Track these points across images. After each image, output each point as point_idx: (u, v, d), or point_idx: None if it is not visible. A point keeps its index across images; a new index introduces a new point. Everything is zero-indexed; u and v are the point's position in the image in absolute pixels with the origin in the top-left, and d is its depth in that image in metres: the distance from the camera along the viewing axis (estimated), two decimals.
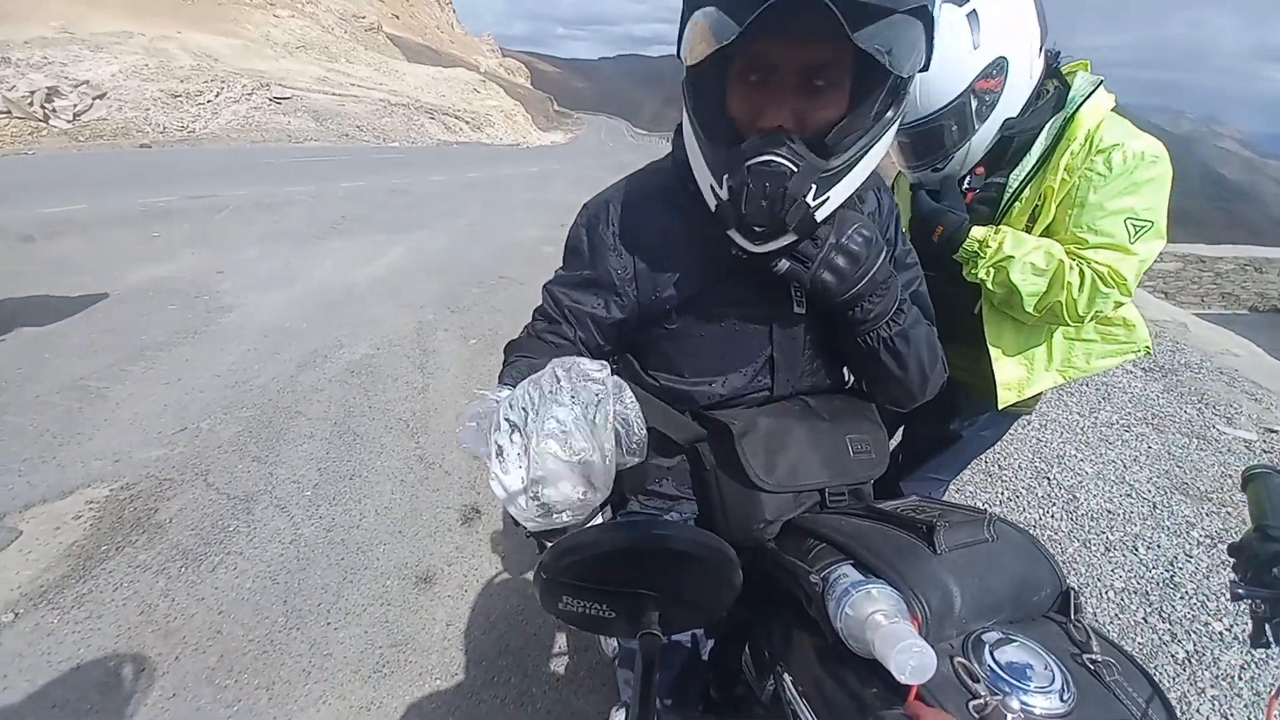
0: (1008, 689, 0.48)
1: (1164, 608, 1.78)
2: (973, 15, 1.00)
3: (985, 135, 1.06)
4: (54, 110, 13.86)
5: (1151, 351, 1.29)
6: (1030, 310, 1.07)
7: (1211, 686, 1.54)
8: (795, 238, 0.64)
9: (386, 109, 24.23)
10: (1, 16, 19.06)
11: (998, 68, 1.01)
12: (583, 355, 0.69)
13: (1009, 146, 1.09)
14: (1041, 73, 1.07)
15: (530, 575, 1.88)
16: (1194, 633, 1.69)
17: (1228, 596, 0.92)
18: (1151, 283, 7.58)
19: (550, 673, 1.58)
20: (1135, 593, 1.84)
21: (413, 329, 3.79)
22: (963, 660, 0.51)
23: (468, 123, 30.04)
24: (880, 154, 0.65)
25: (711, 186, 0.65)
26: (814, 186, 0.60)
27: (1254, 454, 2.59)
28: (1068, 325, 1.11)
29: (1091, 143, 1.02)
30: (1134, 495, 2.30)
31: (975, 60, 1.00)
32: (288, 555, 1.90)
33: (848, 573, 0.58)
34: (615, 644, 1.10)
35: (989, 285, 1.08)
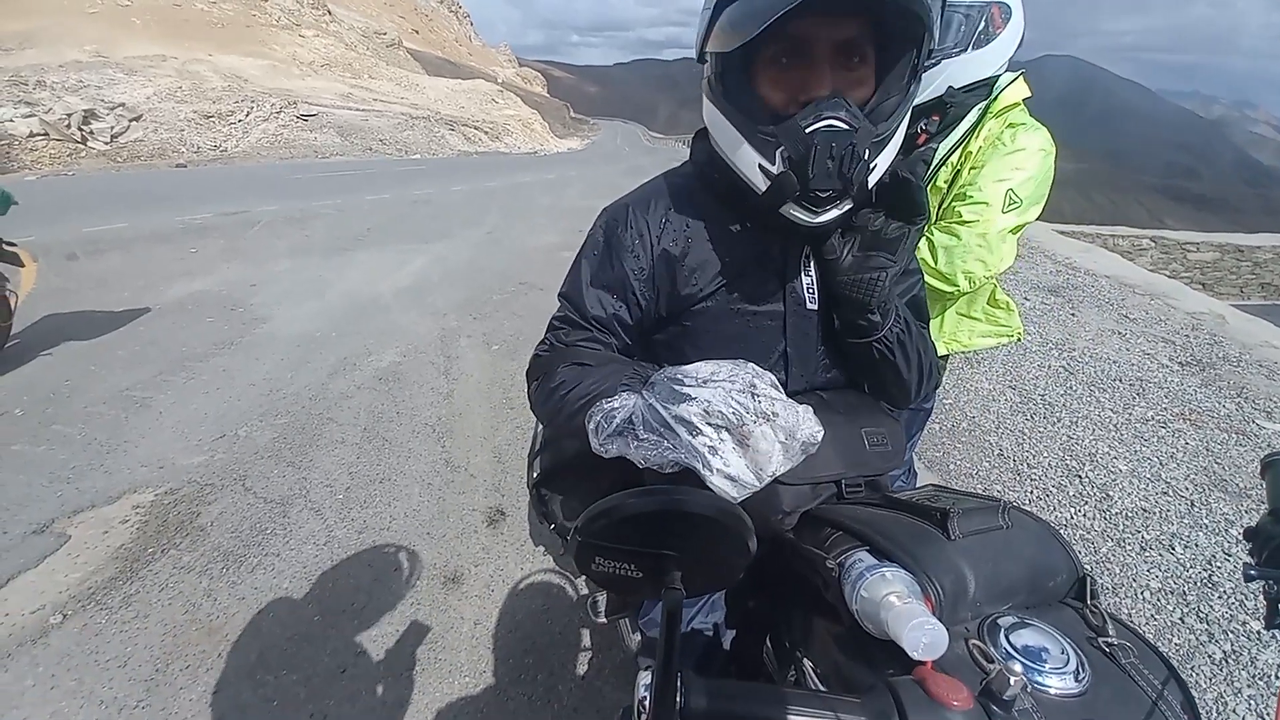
0: (1022, 670, 0.49)
1: (1201, 608, 1.73)
2: None
3: (958, 71, 1.19)
4: (91, 132, 14.50)
5: (1024, 338, 1.49)
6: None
7: (1249, 686, 1.49)
8: (852, 204, 0.67)
9: (408, 122, 24.79)
10: (35, 41, 20.03)
11: (1007, 12, 1.18)
12: (619, 357, 0.79)
13: (945, 114, 1.24)
14: (1002, 68, 1.24)
15: (554, 573, 1.92)
16: (1231, 632, 1.64)
17: (1240, 577, 0.92)
18: (1189, 273, 7.33)
19: (575, 670, 1.60)
20: (1172, 593, 1.79)
21: (437, 336, 3.89)
22: (977, 642, 0.52)
23: (486, 132, 30.56)
24: (906, 126, 0.69)
25: (760, 166, 0.66)
26: (867, 150, 0.63)
27: None
28: (952, 291, 1.26)
29: (1006, 118, 1.23)
30: (1171, 493, 2.24)
31: None
32: (321, 556, 1.97)
33: (863, 558, 0.59)
34: (639, 637, 1.12)
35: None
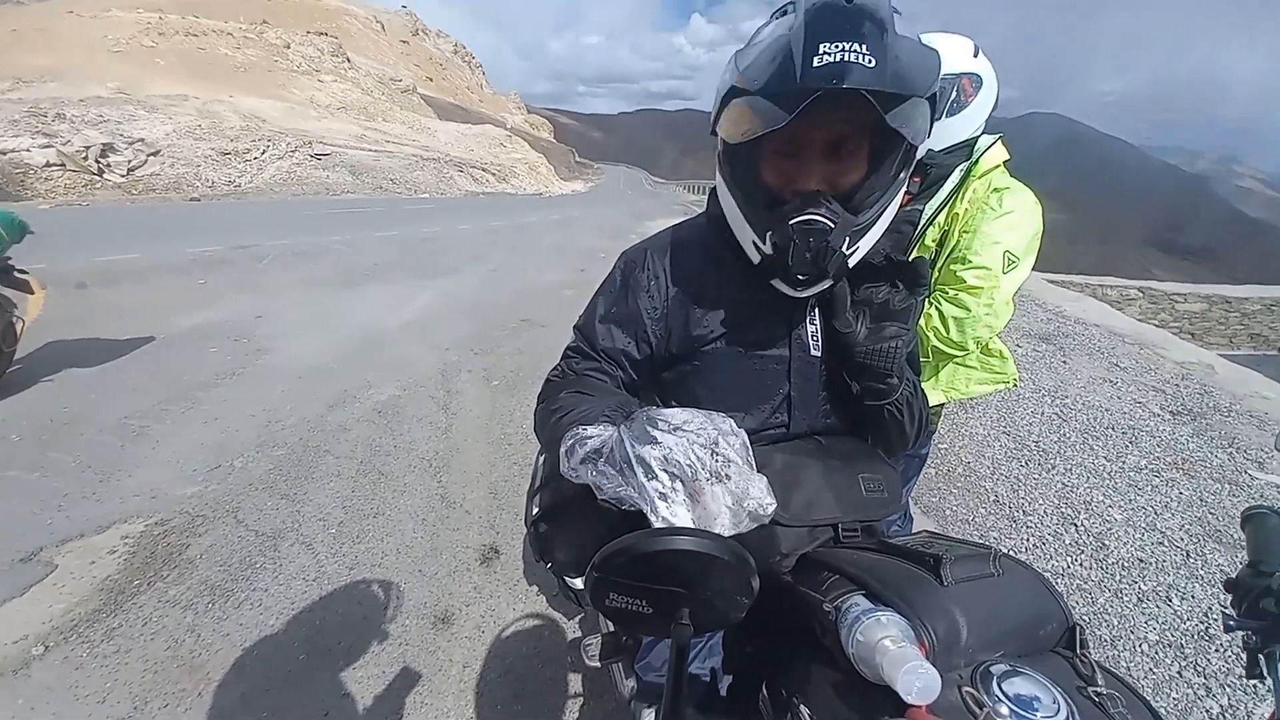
0: (1010, 715, 0.50)
1: (1199, 661, 1.71)
2: (976, 46, 1.28)
3: (934, 137, 1.26)
4: (108, 165, 14.90)
5: (1018, 384, 1.53)
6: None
7: None
8: (831, 282, 0.76)
9: (418, 163, 25.55)
10: (59, 75, 20.81)
11: (978, 82, 1.26)
12: (620, 391, 0.82)
13: (926, 177, 1.30)
14: (978, 131, 1.32)
15: (546, 615, 1.88)
16: (1229, 686, 1.62)
17: (1221, 627, 0.93)
18: (1177, 324, 7.45)
19: (565, 718, 1.56)
20: (1170, 645, 1.76)
21: (438, 370, 3.91)
22: (970, 689, 0.53)
23: (494, 174, 31.47)
24: (895, 210, 0.75)
25: (754, 242, 0.74)
26: (847, 238, 0.70)
27: None
28: (961, 355, 1.32)
29: (989, 181, 1.29)
30: (1166, 543, 2.23)
31: (969, 63, 1.26)
32: (311, 592, 1.94)
33: (859, 602, 0.61)
34: (632, 683, 1.10)
35: None
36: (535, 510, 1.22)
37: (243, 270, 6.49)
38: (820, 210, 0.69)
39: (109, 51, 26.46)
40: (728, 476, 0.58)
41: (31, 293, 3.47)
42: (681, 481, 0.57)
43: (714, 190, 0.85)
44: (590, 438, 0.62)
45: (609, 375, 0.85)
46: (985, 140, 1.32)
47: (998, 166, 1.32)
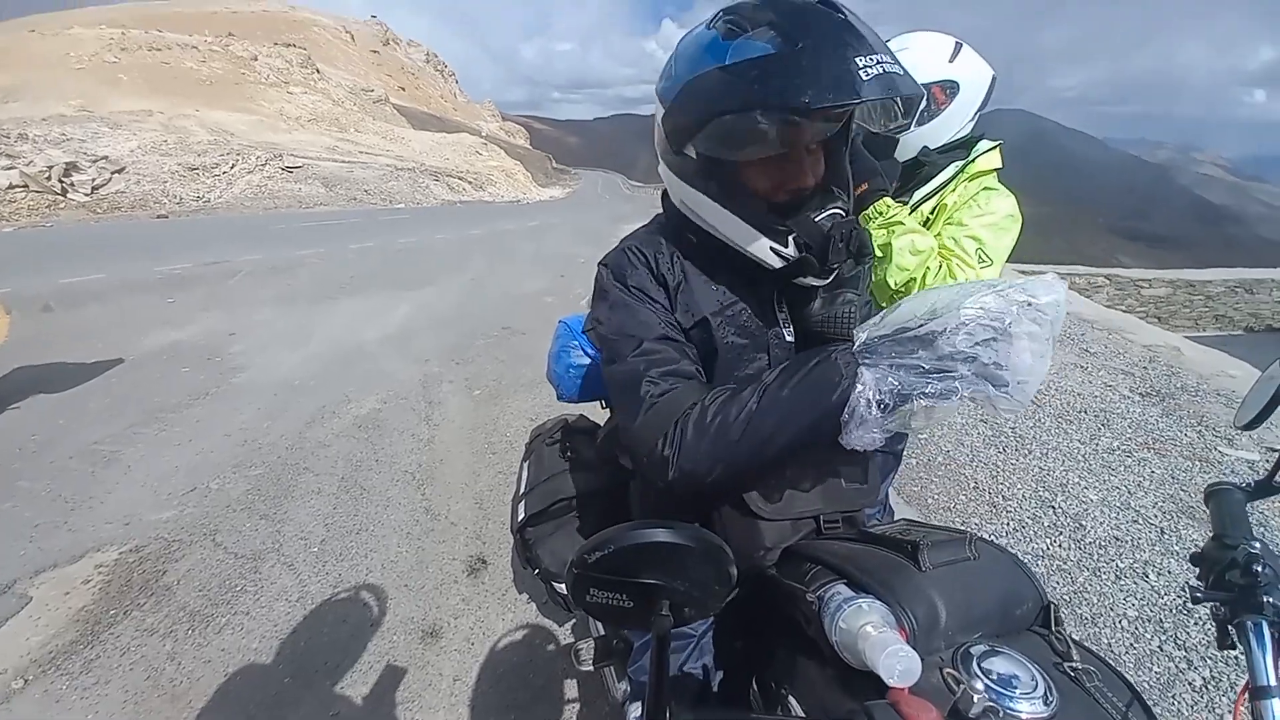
0: (994, 697, 0.51)
1: (1179, 634, 1.75)
2: (959, 46, 1.32)
3: (910, 142, 1.31)
4: (72, 184, 14.50)
5: None
6: (891, 283, 1.25)
7: (1229, 712, 1.50)
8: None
9: (393, 173, 25.30)
10: (20, 94, 20.22)
11: (952, 88, 1.30)
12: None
13: (918, 172, 1.35)
14: (968, 132, 1.37)
15: (536, 623, 1.87)
16: (1210, 659, 1.66)
17: (1187, 600, 0.96)
18: (1143, 308, 7.69)
19: None
20: (1150, 620, 1.81)
21: (419, 382, 3.87)
22: (951, 670, 0.55)
23: (470, 182, 31.28)
24: None
25: (773, 249, 0.74)
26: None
27: (1258, 474, 2.59)
28: (899, 279, 1.31)
29: (981, 182, 1.34)
30: (1141, 521, 2.29)
31: (943, 69, 1.30)
32: (294, 613, 1.89)
33: (840, 590, 0.62)
34: (625, 686, 1.10)
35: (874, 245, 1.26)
36: (520, 517, 1.22)
37: (213, 287, 6.34)
38: (837, 204, 0.74)
39: (71, 69, 25.79)
40: (1026, 301, 0.55)
41: None
42: (993, 341, 0.54)
43: (665, 192, 0.86)
44: (878, 391, 0.59)
45: (690, 358, 0.78)
46: (984, 145, 1.37)
47: (990, 172, 1.36)
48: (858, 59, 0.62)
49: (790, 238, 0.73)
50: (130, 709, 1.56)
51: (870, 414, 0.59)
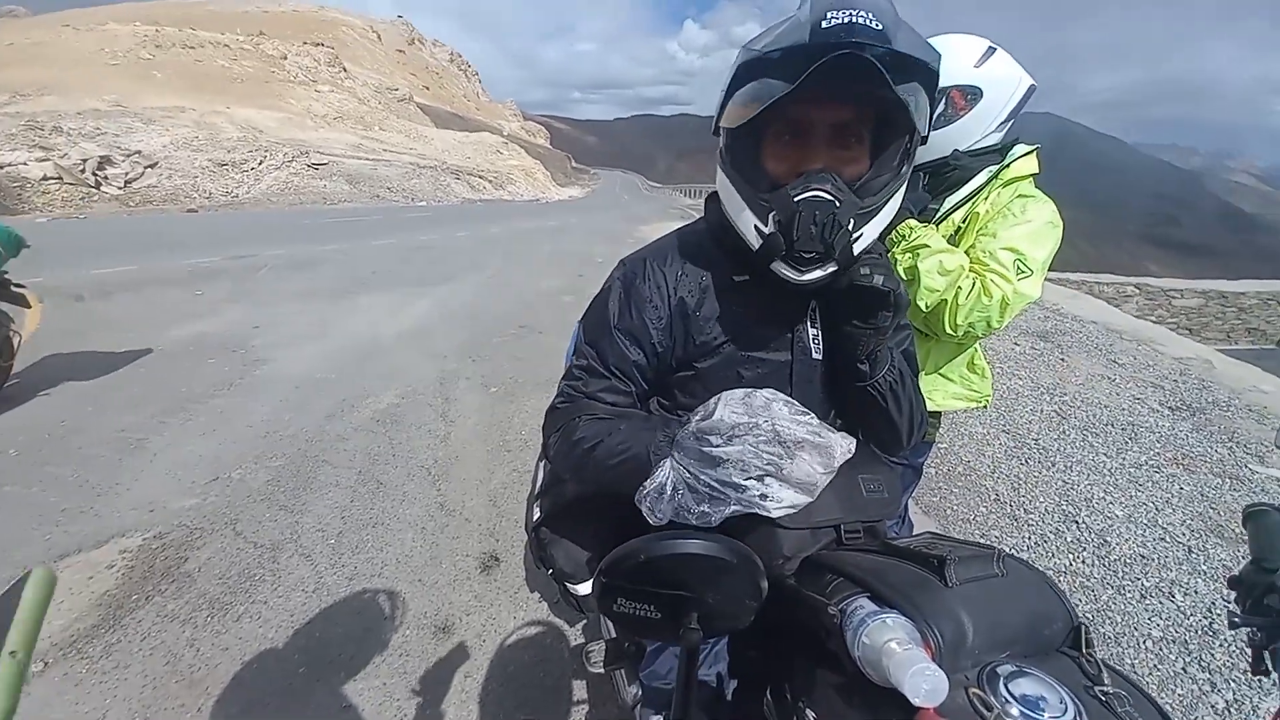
0: (1020, 716, 0.49)
1: (1203, 656, 1.70)
2: (990, 50, 1.26)
3: (937, 142, 1.24)
4: (105, 177, 14.93)
5: (989, 404, 1.50)
6: (922, 305, 1.21)
7: None
8: (836, 267, 0.72)
9: (415, 171, 25.64)
10: (56, 88, 20.86)
11: (974, 94, 1.24)
12: (635, 407, 0.83)
13: (949, 176, 1.29)
14: (1000, 138, 1.30)
15: (548, 622, 1.87)
16: (1233, 681, 1.61)
17: (1225, 624, 0.93)
18: (1174, 320, 7.47)
19: None
20: (1174, 641, 1.76)
21: (436, 378, 3.90)
22: (977, 690, 0.53)
23: (490, 181, 31.57)
24: (899, 203, 0.74)
25: (756, 226, 0.72)
26: (853, 220, 0.69)
27: None
28: (940, 334, 1.26)
29: (1016, 189, 1.27)
30: (1168, 539, 2.22)
31: (967, 74, 1.24)
32: (310, 604, 1.92)
33: (864, 604, 0.60)
34: (635, 690, 1.09)
35: (899, 270, 1.21)
36: (536, 516, 1.21)
37: (240, 280, 6.48)
38: (825, 186, 0.67)
39: (106, 64, 26.55)
40: (802, 443, 0.62)
41: (28, 306, 3.46)
42: (768, 475, 0.61)
43: (710, 195, 0.84)
44: (664, 485, 0.65)
45: (620, 392, 0.84)
46: (1020, 149, 1.30)
47: (1027, 177, 1.29)
48: (829, 11, 0.60)
49: (770, 215, 0.70)
50: (149, 693, 1.59)
51: (662, 498, 0.65)
